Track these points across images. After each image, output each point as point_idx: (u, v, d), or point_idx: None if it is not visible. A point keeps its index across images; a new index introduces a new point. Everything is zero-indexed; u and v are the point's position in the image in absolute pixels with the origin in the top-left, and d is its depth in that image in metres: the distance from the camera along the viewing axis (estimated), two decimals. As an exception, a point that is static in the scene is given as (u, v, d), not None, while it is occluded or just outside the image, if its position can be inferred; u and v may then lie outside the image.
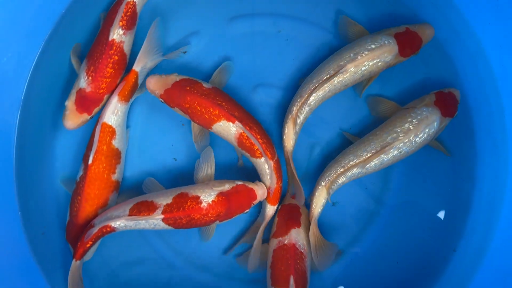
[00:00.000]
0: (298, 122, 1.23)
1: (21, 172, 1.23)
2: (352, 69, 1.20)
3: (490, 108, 1.24)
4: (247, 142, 1.19)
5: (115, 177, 1.24)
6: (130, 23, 1.22)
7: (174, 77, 1.21)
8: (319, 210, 1.22)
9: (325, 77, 1.20)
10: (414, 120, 1.19)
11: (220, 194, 1.18)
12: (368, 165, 1.20)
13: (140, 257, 1.31)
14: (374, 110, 1.31)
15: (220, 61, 1.33)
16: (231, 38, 1.34)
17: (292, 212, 1.24)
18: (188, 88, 1.19)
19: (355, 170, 1.21)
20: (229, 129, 1.19)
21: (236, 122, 1.17)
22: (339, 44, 1.32)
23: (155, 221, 1.15)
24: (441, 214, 1.31)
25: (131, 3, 1.21)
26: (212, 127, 1.20)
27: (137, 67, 1.23)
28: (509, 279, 1.18)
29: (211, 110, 1.17)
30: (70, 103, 1.22)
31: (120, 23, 1.20)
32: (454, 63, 1.29)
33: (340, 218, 1.32)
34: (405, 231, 1.32)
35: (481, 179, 1.27)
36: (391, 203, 1.32)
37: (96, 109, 1.23)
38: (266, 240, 1.26)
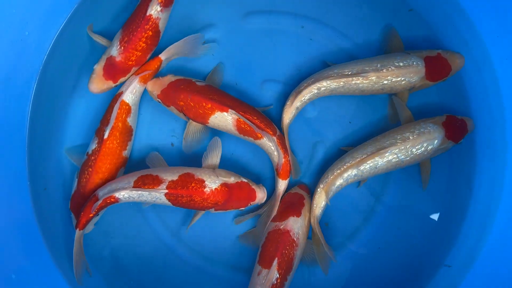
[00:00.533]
0: (302, 99, 1.25)
1: (32, 137, 1.27)
2: (373, 78, 1.21)
3: (492, 119, 1.25)
4: (246, 126, 1.22)
5: (125, 153, 1.28)
6: (169, 1, 1.23)
7: (170, 78, 1.26)
8: (320, 212, 1.25)
9: (346, 73, 1.21)
10: (416, 131, 1.21)
11: (224, 184, 1.21)
12: (362, 167, 1.22)
13: (139, 239, 1.35)
14: (392, 109, 1.32)
15: (232, 54, 1.36)
16: (245, 33, 1.36)
17: (295, 201, 1.27)
18: (182, 86, 1.24)
19: (350, 172, 1.23)
20: (225, 119, 1.22)
21: (230, 110, 1.21)
22: (357, 53, 1.34)
23: (158, 194, 1.18)
24: (435, 216, 1.33)
25: None
26: (209, 121, 1.24)
27: (163, 56, 1.27)
28: (497, 282, 1.21)
29: (204, 104, 1.22)
30: (98, 68, 1.25)
31: (159, 0, 1.21)
32: (460, 73, 1.30)
33: (337, 215, 1.34)
34: (400, 233, 1.34)
35: (478, 187, 1.28)
36: (388, 205, 1.34)
37: (122, 79, 1.26)
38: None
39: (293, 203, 1.26)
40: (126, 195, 1.19)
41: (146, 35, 1.22)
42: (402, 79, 1.21)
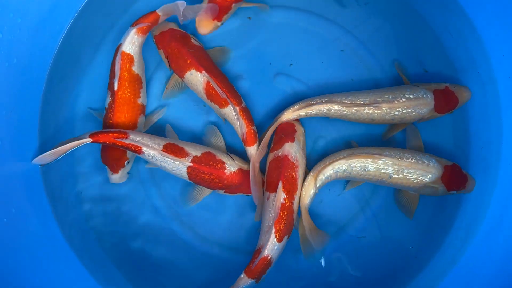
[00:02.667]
0: (309, 111, 1.28)
1: (49, 88, 1.31)
2: (385, 109, 1.25)
3: (489, 134, 1.29)
4: (214, 92, 1.27)
5: (140, 100, 1.32)
6: None
7: (173, 25, 1.34)
8: (309, 199, 1.27)
9: (359, 102, 1.26)
10: (417, 158, 1.23)
11: (241, 169, 1.27)
12: (353, 164, 1.23)
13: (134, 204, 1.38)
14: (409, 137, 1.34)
15: (250, 42, 1.40)
16: (268, 24, 1.41)
17: (287, 129, 1.32)
18: (178, 36, 1.31)
19: (341, 165, 1.24)
20: (197, 79, 1.28)
21: (204, 72, 1.26)
22: (378, 78, 1.39)
23: (181, 165, 1.22)
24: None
25: None
26: (184, 75, 1.29)
27: (160, 11, 1.28)
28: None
29: (185, 58, 1.28)
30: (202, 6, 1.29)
31: None
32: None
33: (325, 211, 1.38)
34: (383, 236, 1.37)
35: (466, 202, 1.32)
36: (374, 211, 1.38)
37: (225, 17, 1.30)
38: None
39: (286, 132, 1.31)
40: (151, 154, 1.22)
41: None
42: (412, 110, 1.25)
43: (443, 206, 1.34)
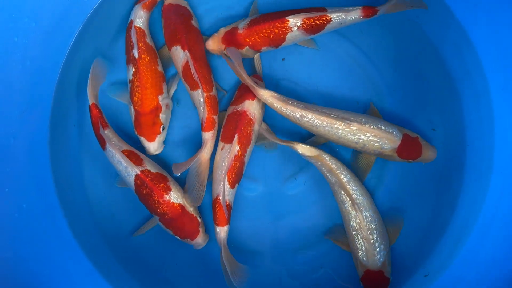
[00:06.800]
0: (283, 108, 1.28)
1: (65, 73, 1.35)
2: (354, 129, 1.26)
3: (483, 143, 1.32)
4: (189, 72, 1.31)
5: (159, 68, 1.38)
6: (311, 29, 1.32)
7: (183, 2, 1.40)
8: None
9: (332, 115, 1.27)
10: (354, 207, 1.31)
11: (181, 206, 1.29)
12: (333, 176, 1.31)
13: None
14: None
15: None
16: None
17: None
18: (181, 13, 1.37)
19: (327, 167, 1.31)
20: (179, 55, 1.33)
21: (186, 51, 1.31)
22: (377, 85, 1.45)
23: (130, 171, 1.27)
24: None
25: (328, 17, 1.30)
26: (171, 49, 1.35)
27: None
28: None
29: (177, 33, 1.33)
30: (222, 30, 1.37)
31: (305, 20, 1.30)
32: (460, 100, 1.36)
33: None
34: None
35: (460, 206, 1.34)
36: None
37: (232, 49, 1.34)
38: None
39: (249, 89, 1.33)
40: (111, 152, 1.28)
41: (273, 30, 1.31)
42: (377, 141, 1.27)
43: (438, 213, 1.38)
